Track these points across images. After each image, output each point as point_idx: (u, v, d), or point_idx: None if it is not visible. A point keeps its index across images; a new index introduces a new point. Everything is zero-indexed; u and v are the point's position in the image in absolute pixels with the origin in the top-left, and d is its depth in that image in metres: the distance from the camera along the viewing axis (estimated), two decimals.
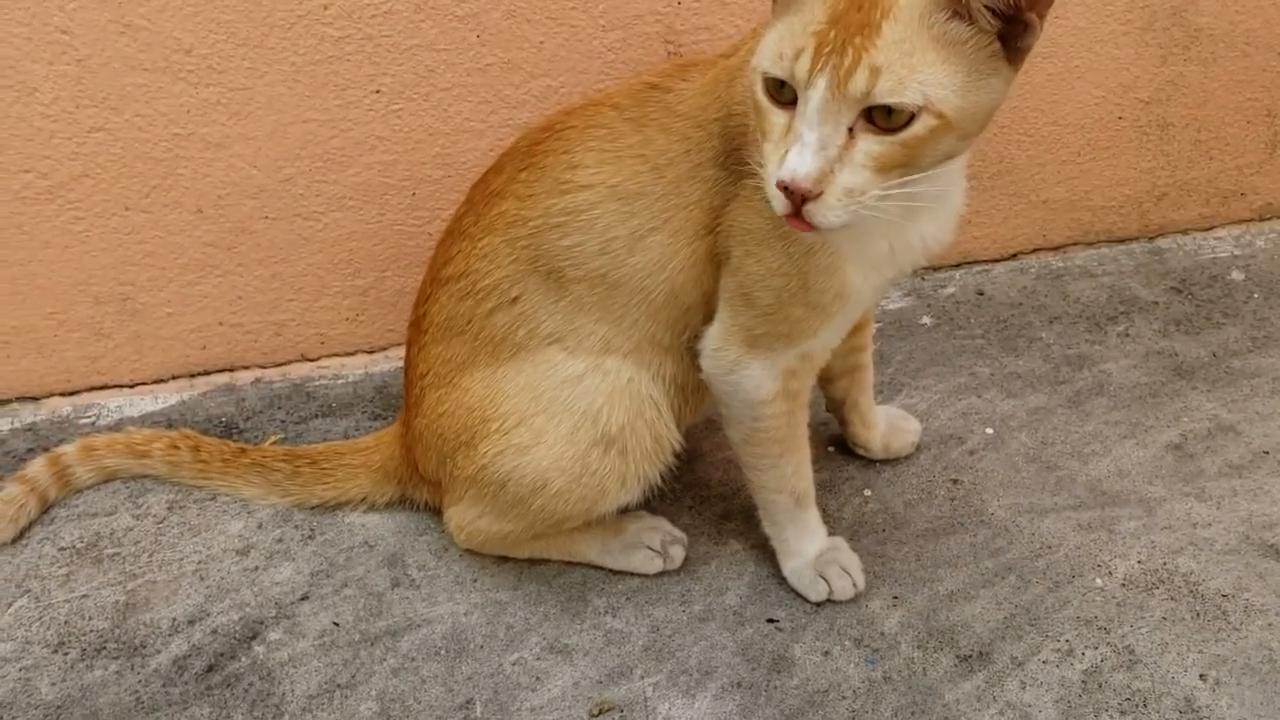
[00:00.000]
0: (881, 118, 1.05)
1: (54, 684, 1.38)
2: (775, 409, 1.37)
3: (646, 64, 1.79)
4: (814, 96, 1.05)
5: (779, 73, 1.08)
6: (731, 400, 1.38)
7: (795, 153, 1.06)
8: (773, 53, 1.09)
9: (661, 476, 1.45)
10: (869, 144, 1.06)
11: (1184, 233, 2.25)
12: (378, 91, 1.72)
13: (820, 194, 1.06)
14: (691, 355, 1.40)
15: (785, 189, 1.07)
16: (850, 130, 1.06)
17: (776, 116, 1.11)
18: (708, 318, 1.37)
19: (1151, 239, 2.24)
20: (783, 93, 1.10)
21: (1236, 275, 2.13)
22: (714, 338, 1.36)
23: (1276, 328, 1.98)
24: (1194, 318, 2.01)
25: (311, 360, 1.92)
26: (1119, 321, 2.01)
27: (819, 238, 1.25)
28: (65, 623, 1.46)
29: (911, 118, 1.05)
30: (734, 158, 1.29)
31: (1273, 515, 1.58)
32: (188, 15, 1.61)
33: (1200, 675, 1.36)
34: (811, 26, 1.06)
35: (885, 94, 1.04)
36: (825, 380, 1.63)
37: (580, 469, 1.38)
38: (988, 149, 2.05)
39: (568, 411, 1.37)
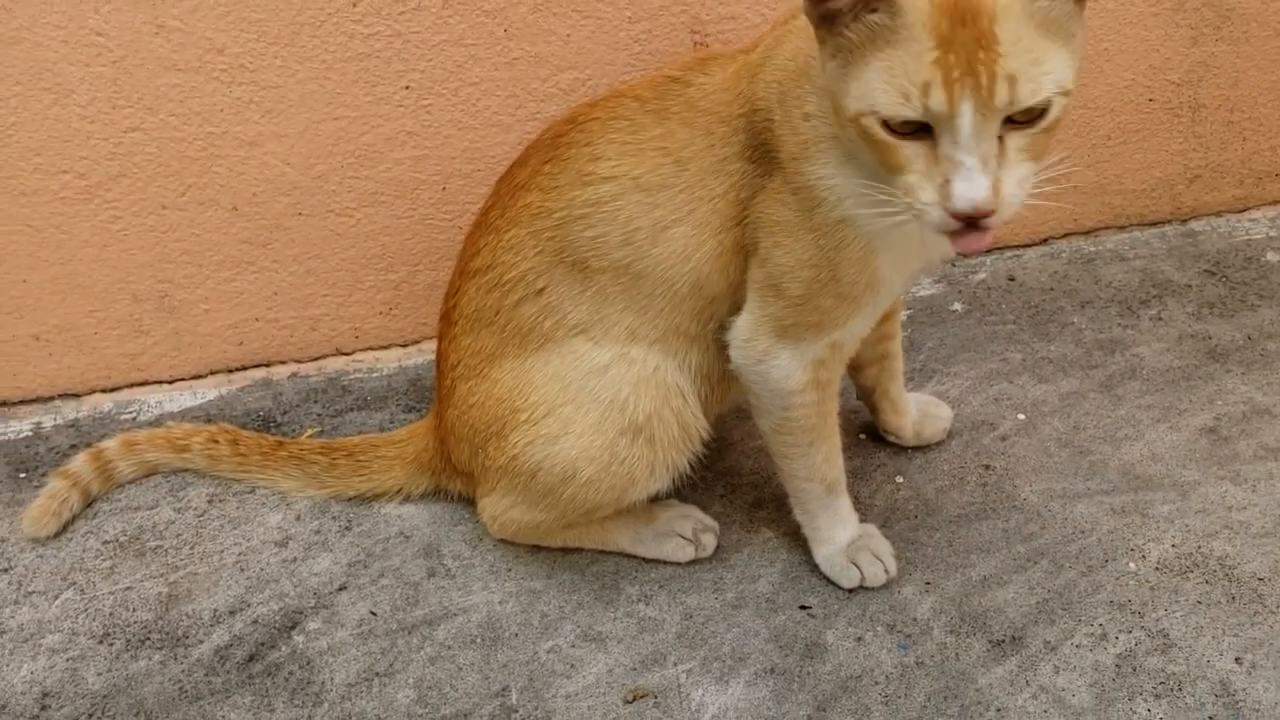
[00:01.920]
0: (1020, 114, 1.06)
1: (100, 674, 1.41)
2: (805, 399, 1.38)
3: (673, 55, 1.79)
4: (964, 124, 1.05)
5: (913, 114, 1.06)
6: (761, 390, 1.39)
7: (964, 181, 1.06)
8: (892, 96, 1.07)
9: (691, 465, 1.46)
10: (1018, 140, 1.08)
11: (1217, 215, 2.23)
12: (407, 87, 1.74)
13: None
14: (720, 345, 1.40)
15: (968, 218, 1.08)
16: (1000, 138, 1.07)
17: (908, 149, 1.09)
18: (735, 308, 1.38)
19: (1184, 221, 2.22)
20: (906, 125, 1.09)
21: (1271, 257, 2.10)
22: (743, 328, 1.37)
23: None
24: (1228, 300, 1.99)
25: (346, 354, 1.94)
26: (1151, 305, 1.99)
27: (851, 230, 1.25)
28: (110, 614, 1.49)
29: (1047, 104, 1.07)
30: (761, 151, 1.29)
31: None
32: (220, 15, 1.63)
33: (1236, 659, 1.36)
34: (927, 56, 1.05)
35: (1028, 97, 1.04)
36: (855, 368, 1.63)
37: (609, 458, 1.39)
38: None
39: (595, 401, 1.39)
